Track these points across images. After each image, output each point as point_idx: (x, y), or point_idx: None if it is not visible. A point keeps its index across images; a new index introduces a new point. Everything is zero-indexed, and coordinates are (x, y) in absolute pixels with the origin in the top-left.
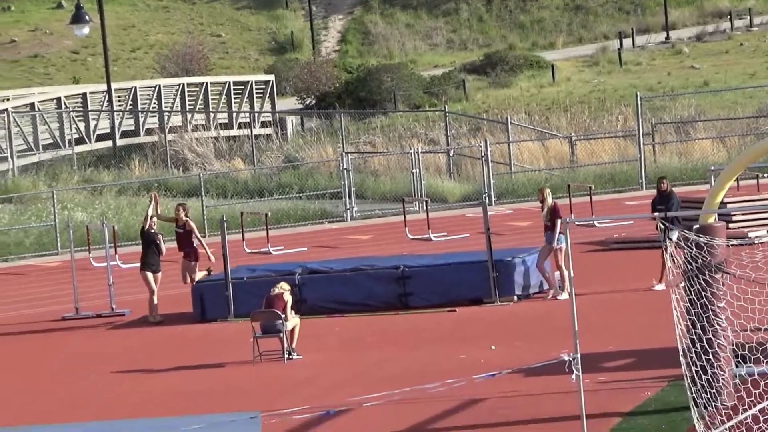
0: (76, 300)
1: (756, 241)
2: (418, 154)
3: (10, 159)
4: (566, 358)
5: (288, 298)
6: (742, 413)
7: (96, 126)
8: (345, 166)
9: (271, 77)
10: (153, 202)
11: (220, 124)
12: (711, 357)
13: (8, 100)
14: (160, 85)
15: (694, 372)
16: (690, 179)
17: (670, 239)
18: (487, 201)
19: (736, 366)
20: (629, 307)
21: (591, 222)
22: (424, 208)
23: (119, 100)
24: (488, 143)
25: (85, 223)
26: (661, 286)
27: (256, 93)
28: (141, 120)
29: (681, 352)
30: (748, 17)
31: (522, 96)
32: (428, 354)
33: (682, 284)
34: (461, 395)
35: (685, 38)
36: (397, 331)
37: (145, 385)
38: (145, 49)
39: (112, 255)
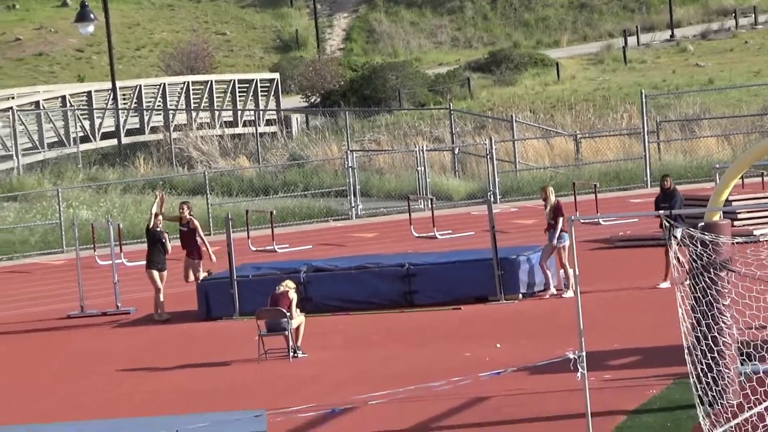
0: (81, 298)
1: (761, 239)
2: (423, 152)
3: (15, 157)
4: (571, 356)
5: (293, 296)
6: (747, 411)
7: (101, 124)
8: (350, 164)
9: (276, 75)
10: (158, 200)
11: (225, 122)
12: (716, 355)
13: (13, 98)
14: (164, 84)
15: (699, 370)
16: (695, 177)
17: (675, 237)
18: (492, 199)
19: (741, 364)
20: (634, 305)
21: (596, 220)
22: (429, 206)
23: (124, 99)
24: (493, 141)
25: (90, 221)
26: (666, 284)
27: (261, 91)
28: (146, 118)
29: (686, 350)
30: (753, 15)
31: (527, 94)
32: (433, 352)
33: (687, 282)
34: (466, 393)
35: (689, 36)
36: (402, 329)
37: (150, 383)
38: (150, 47)
39: (117, 253)
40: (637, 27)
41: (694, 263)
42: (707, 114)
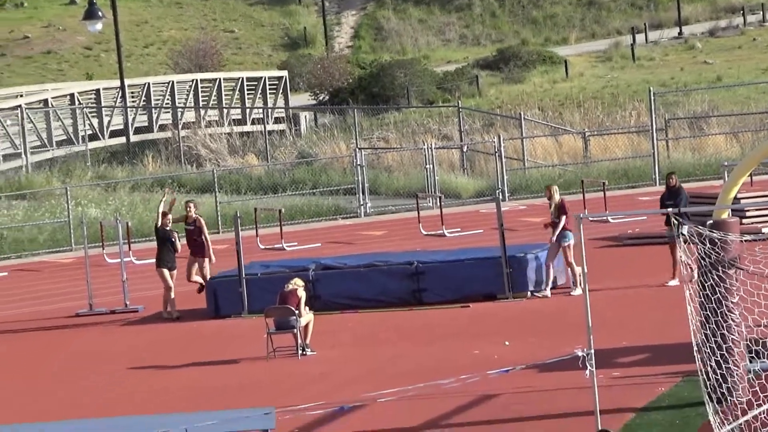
0: (89, 296)
1: None
2: (432, 150)
3: (23, 155)
4: (580, 353)
5: (302, 294)
6: (756, 408)
7: (109, 122)
8: (358, 162)
9: (285, 73)
10: (166, 199)
11: (234, 120)
12: (725, 352)
13: (22, 96)
14: (173, 81)
15: (708, 367)
16: (703, 175)
17: (682, 234)
18: (500, 197)
19: (750, 361)
20: (643, 302)
21: (604, 218)
22: (438, 203)
23: (132, 96)
24: (501, 139)
25: (99, 220)
26: (674, 282)
27: (270, 89)
28: (154, 116)
29: (695, 348)
30: (761, 12)
31: (535, 91)
32: (442, 350)
33: (695, 279)
34: (475, 391)
35: (697, 33)
36: (411, 327)
37: (159, 380)
38: (158, 45)
39: (125, 251)
40: (645, 24)
41: (702, 261)
42: (716, 111)
